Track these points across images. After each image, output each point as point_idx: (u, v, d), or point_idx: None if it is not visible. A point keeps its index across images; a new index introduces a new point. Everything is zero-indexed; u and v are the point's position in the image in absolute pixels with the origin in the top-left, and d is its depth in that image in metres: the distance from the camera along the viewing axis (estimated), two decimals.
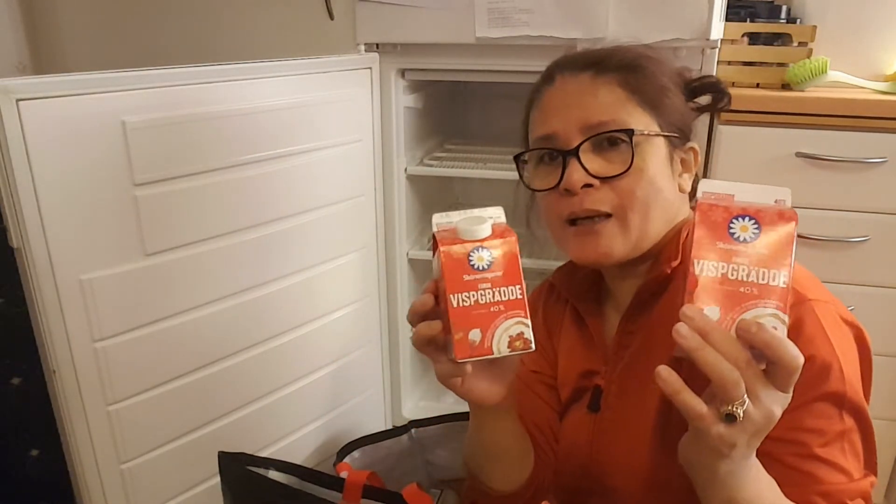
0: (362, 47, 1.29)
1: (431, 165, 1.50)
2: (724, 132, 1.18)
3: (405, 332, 1.54)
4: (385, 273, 1.45)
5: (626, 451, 0.74)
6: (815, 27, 1.44)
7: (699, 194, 0.57)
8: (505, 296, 0.58)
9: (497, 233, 0.60)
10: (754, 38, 1.45)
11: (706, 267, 0.53)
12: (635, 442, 0.72)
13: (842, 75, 1.42)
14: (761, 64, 1.44)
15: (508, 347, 0.58)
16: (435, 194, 1.70)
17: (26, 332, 0.93)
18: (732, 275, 0.52)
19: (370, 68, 1.29)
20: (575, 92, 0.73)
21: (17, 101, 0.82)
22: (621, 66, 0.72)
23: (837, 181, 1.27)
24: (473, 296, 0.58)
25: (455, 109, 1.82)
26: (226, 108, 1.04)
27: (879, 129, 1.25)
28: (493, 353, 0.58)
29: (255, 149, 1.09)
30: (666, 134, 0.72)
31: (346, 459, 1.29)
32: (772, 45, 1.46)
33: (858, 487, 0.62)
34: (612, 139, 0.70)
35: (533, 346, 0.58)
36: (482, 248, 0.59)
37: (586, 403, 0.79)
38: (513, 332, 0.58)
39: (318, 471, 1.13)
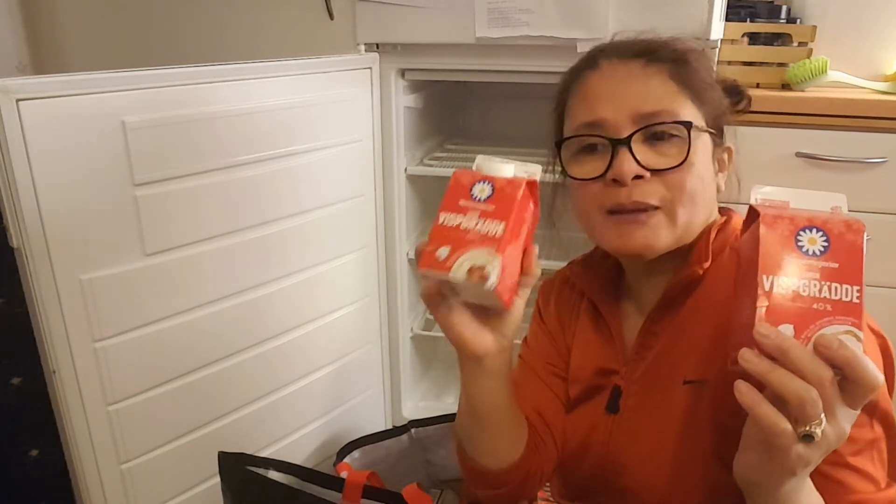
0: (362, 47, 1.29)
1: (431, 165, 1.50)
2: (724, 132, 1.19)
3: (405, 332, 1.54)
4: (385, 273, 1.45)
5: (647, 454, 0.72)
6: (815, 27, 1.44)
7: (753, 201, 0.55)
8: (486, 229, 0.58)
9: (516, 178, 0.61)
10: (754, 38, 1.45)
11: (777, 283, 0.50)
12: (657, 445, 0.71)
13: (842, 75, 1.42)
14: (761, 64, 1.44)
15: (466, 274, 0.57)
16: (435, 194, 1.70)
17: (26, 332, 0.93)
18: (805, 291, 0.50)
19: (370, 68, 1.29)
20: (625, 79, 0.70)
21: (17, 101, 0.82)
22: (672, 58, 0.70)
23: (837, 181, 1.27)
24: (458, 219, 0.59)
25: (455, 109, 1.82)
26: (226, 108, 1.04)
27: (879, 129, 1.25)
28: (448, 274, 0.57)
29: (255, 149, 1.09)
30: (711, 131, 0.71)
31: (346, 459, 1.29)
32: (772, 45, 1.46)
33: (886, 496, 0.62)
34: (665, 131, 0.68)
35: (490, 283, 0.57)
36: (488, 182, 0.60)
37: (603, 403, 0.77)
38: (477, 262, 0.57)
39: (318, 471, 1.13)
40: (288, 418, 1.29)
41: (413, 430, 1.34)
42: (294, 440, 1.31)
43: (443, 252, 0.58)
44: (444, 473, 1.36)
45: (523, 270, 0.63)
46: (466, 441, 0.77)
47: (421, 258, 0.58)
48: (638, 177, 0.67)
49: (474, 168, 0.64)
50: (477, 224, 0.59)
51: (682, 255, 0.73)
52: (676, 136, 0.68)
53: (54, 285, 0.90)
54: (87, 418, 0.97)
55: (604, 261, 0.82)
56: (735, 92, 0.78)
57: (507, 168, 0.62)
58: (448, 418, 1.33)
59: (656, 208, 0.68)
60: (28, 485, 1.09)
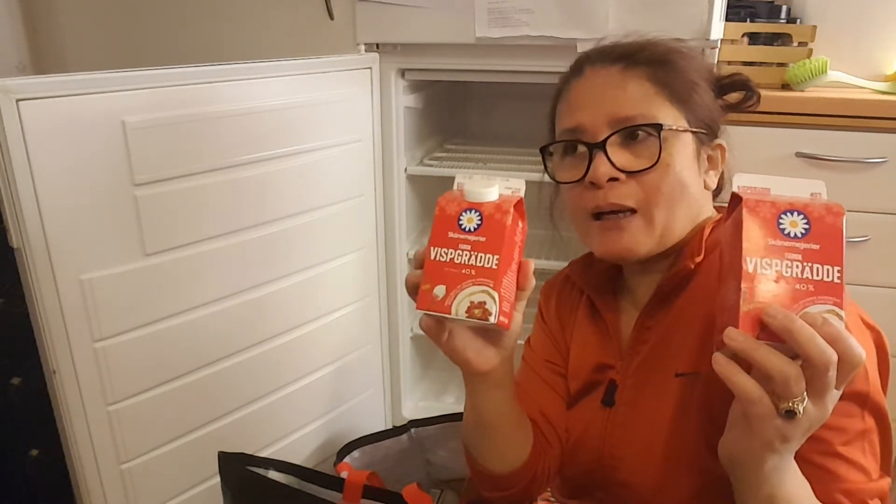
0: (362, 47, 1.29)
1: (431, 165, 1.50)
2: (724, 132, 1.19)
3: (405, 332, 1.54)
4: (385, 273, 1.45)
5: (640, 446, 0.73)
6: (815, 27, 1.44)
7: (734, 188, 0.56)
8: (480, 262, 0.58)
9: (502, 202, 0.60)
10: (754, 38, 1.45)
11: (760, 265, 0.52)
12: (650, 438, 0.72)
13: (842, 75, 1.42)
14: (761, 64, 1.44)
15: (466, 312, 0.57)
16: (435, 194, 1.70)
17: (26, 332, 0.93)
18: (787, 272, 0.51)
19: (370, 68, 1.29)
20: (603, 85, 0.72)
21: (17, 101, 0.82)
22: (651, 61, 0.71)
23: (837, 181, 1.27)
24: (450, 253, 0.59)
25: (455, 109, 1.82)
26: (226, 108, 1.04)
27: (879, 129, 1.24)
28: (450, 314, 0.58)
29: (255, 149, 1.09)
30: (694, 130, 0.72)
31: (346, 459, 1.29)
32: (772, 45, 1.46)
33: (877, 487, 0.62)
34: (640, 133, 0.69)
35: (492, 319, 0.57)
36: (475, 210, 0.60)
37: (599, 398, 0.79)
38: (475, 298, 0.57)
39: (318, 471, 1.13)
40: (288, 418, 1.29)
41: (413, 430, 1.34)
42: (294, 440, 1.31)
43: (439, 291, 0.58)
44: (444, 473, 1.36)
45: (518, 286, 0.63)
46: (475, 449, 0.79)
47: (418, 298, 0.59)
48: (614, 179, 0.69)
49: (455, 188, 0.63)
50: (470, 258, 0.58)
51: (677, 251, 0.74)
52: (652, 137, 0.69)
53: (54, 285, 0.90)
54: (87, 418, 0.97)
55: (603, 260, 0.82)
56: (743, 88, 0.79)
57: (491, 191, 0.61)
58: (448, 418, 1.33)
59: (633, 211, 0.69)
60: (28, 485, 1.09)
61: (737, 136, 0.78)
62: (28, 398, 1.02)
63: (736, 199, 0.56)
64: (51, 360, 0.93)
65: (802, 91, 1.40)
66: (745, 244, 0.52)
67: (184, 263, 1.04)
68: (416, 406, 1.63)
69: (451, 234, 0.59)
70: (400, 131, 1.38)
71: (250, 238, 1.12)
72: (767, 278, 0.51)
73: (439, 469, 1.36)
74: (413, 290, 0.61)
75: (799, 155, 1.28)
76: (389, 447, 1.34)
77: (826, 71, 1.38)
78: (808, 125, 1.27)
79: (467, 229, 0.59)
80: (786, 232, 0.52)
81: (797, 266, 0.51)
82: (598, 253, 0.74)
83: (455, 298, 0.58)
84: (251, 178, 1.10)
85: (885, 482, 0.63)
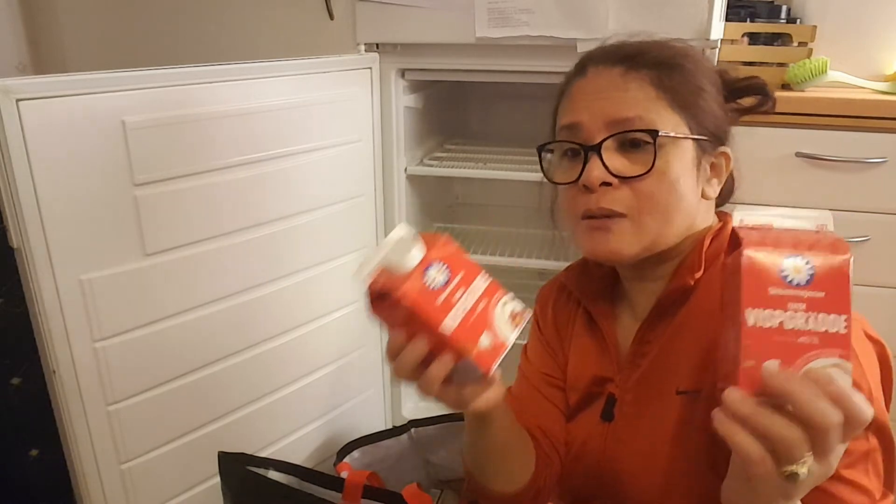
0: (362, 47, 1.29)
1: (431, 165, 1.50)
2: (732, 138, 1.19)
3: None
4: None
5: (641, 460, 0.72)
6: (815, 27, 1.44)
7: (735, 222, 0.54)
8: (478, 292, 0.57)
9: (428, 249, 0.57)
10: (754, 38, 1.46)
11: (760, 317, 0.48)
12: (651, 452, 0.71)
13: (842, 75, 1.42)
14: (761, 64, 1.44)
15: (513, 328, 0.58)
16: (435, 194, 1.70)
17: (26, 332, 0.93)
18: (790, 324, 0.48)
19: (370, 68, 1.29)
20: (605, 85, 0.70)
21: (17, 101, 0.82)
22: (656, 63, 0.69)
23: (837, 181, 1.27)
24: (458, 309, 0.56)
25: (455, 109, 1.82)
26: (226, 108, 1.04)
27: (879, 129, 1.25)
28: (508, 344, 0.57)
29: (255, 149, 1.09)
30: (695, 137, 0.69)
31: (346, 459, 1.29)
32: (772, 45, 1.46)
33: None
34: (637, 139, 0.68)
35: (528, 311, 0.60)
36: (432, 266, 0.56)
37: (598, 411, 0.77)
38: (507, 311, 0.58)
39: (318, 471, 1.13)
40: (288, 418, 1.29)
41: (413, 430, 1.34)
42: (294, 440, 1.31)
43: (485, 340, 0.56)
44: (444, 473, 1.36)
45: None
46: (481, 474, 0.78)
47: (479, 362, 0.57)
48: (607, 183, 0.67)
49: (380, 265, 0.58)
50: (469, 299, 0.57)
51: (675, 261, 0.72)
52: (648, 143, 0.67)
53: (54, 285, 0.90)
54: (87, 418, 0.97)
55: (599, 267, 0.81)
56: (759, 92, 0.77)
57: (413, 254, 0.55)
58: (448, 418, 1.33)
59: (623, 215, 0.68)
60: (28, 485, 1.09)
61: (736, 137, 0.78)
62: (28, 398, 1.02)
63: (736, 238, 0.53)
64: (51, 360, 0.93)
65: (802, 91, 1.40)
66: (744, 295, 0.49)
67: (184, 263, 1.04)
68: (416, 406, 1.63)
69: (438, 301, 0.55)
70: (400, 131, 1.38)
71: (250, 238, 1.12)
72: (769, 332, 0.48)
73: (439, 469, 1.36)
74: (412, 366, 0.58)
75: (799, 155, 1.28)
76: (389, 447, 1.34)
77: (826, 71, 1.39)
78: (808, 125, 1.27)
79: (440, 283, 0.56)
80: (788, 279, 0.49)
81: (801, 317, 0.48)
82: (585, 253, 0.73)
83: (498, 329, 0.57)
84: (251, 178, 1.10)
85: (888, 501, 0.62)
